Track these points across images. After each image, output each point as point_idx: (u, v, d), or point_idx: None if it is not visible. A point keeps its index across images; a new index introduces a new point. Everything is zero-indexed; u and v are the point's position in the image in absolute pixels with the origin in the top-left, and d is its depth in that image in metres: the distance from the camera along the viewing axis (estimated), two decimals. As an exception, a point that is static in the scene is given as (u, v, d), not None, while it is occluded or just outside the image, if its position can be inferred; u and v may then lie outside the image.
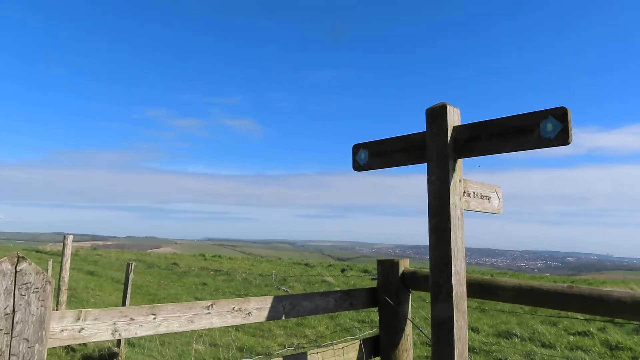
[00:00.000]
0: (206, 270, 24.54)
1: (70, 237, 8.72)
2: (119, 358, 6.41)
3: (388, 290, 3.25)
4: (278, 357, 2.79)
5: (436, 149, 2.57)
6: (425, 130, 2.66)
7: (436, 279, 2.51)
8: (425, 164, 2.65)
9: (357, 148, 3.07)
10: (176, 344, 8.48)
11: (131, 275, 6.55)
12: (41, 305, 1.76)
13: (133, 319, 2.21)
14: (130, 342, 7.41)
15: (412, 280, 3.20)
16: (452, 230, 2.48)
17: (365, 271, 26.62)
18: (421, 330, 3.47)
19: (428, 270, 3.12)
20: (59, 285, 8.48)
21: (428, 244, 2.56)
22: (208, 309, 2.47)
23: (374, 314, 12.16)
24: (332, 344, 3.10)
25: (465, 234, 2.59)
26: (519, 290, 2.72)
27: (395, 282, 3.24)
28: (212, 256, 38.19)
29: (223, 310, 2.53)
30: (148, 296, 14.23)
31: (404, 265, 3.30)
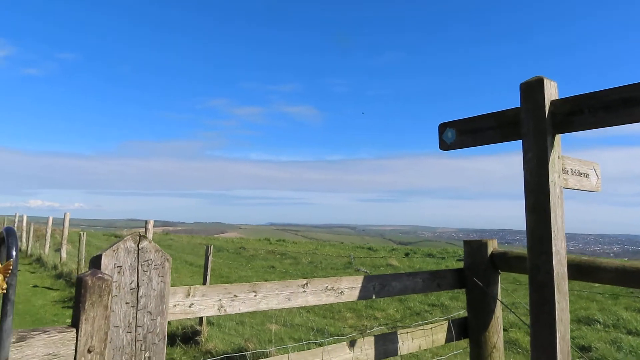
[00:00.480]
0: (272, 253, 25.16)
1: (152, 222, 9.20)
2: (202, 336, 6.73)
3: (476, 271, 3.19)
4: (369, 336, 2.82)
5: (533, 125, 2.47)
6: (519, 105, 2.56)
7: (534, 260, 2.44)
8: (520, 141, 2.56)
9: (443, 127, 3.01)
10: (252, 324, 8.79)
11: (210, 258, 6.83)
12: (161, 281, 1.87)
13: (236, 296, 2.31)
14: (210, 322, 7.75)
15: (502, 261, 3.13)
16: (552, 209, 2.39)
17: (430, 255, 26.27)
18: (514, 313, 3.40)
19: (518, 251, 3.03)
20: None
21: (525, 224, 2.48)
22: (303, 288, 2.53)
23: (443, 298, 12.01)
24: (420, 324, 3.09)
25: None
26: (622, 272, 2.59)
27: (483, 262, 3.17)
28: (277, 240, 39.06)
29: (317, 289, 2.59)
30: (220, 278, 14.81)
31: (493, 245, 3.23)
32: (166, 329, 1.86)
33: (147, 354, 1.80)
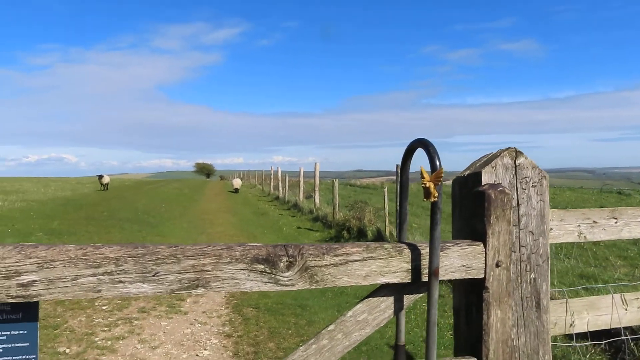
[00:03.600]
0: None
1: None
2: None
3: None
4: None
5: None
6: None
7: None
8: None
9: None
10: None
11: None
12: (540, 200, 1.73)
13: (596, 222, 2.06)
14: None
15: None
16: None
17: None
18: None
19: None
20: (397, 209, 9.39)
21: None
22: (672, 215, 2.14)
23: None
24: None
25: None
26: None
27: None
28: (507, 186, 36.72)
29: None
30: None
31: None
32: (549, 251, 1.73)
33: (532, 275, 1.70)
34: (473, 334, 1.57)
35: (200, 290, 1.33)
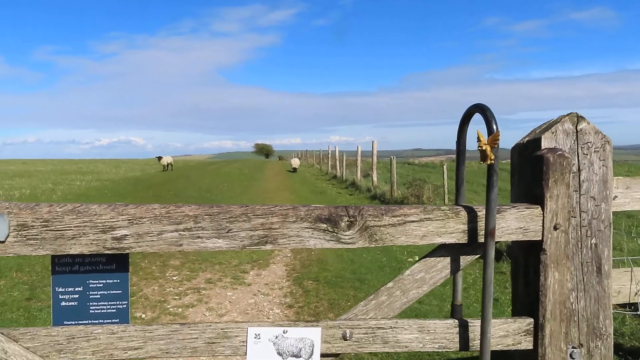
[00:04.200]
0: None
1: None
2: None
3: None
4: None
5: None
6: None
7: None
8: None
9: None
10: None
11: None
12: (602, 165, 1.72)
13: (665, 190, 2.00)
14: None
15: None
16: None
17: None
18: None
19: None
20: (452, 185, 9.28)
21: None
22: None
23: None
24: None
25: None
26: None
27: None
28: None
29: None
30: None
31: None
32: (611, 217, 1.72)
33: (593, 240, 1.70)
34: (530, 295, 1.60)
35: (268, 247, 1.45)
